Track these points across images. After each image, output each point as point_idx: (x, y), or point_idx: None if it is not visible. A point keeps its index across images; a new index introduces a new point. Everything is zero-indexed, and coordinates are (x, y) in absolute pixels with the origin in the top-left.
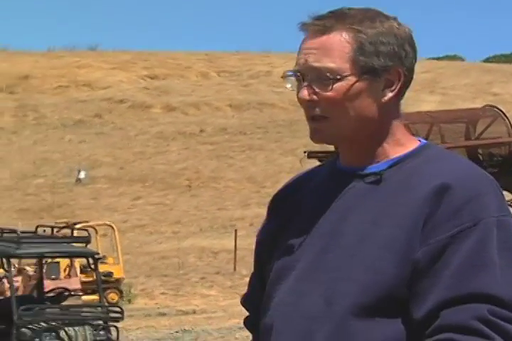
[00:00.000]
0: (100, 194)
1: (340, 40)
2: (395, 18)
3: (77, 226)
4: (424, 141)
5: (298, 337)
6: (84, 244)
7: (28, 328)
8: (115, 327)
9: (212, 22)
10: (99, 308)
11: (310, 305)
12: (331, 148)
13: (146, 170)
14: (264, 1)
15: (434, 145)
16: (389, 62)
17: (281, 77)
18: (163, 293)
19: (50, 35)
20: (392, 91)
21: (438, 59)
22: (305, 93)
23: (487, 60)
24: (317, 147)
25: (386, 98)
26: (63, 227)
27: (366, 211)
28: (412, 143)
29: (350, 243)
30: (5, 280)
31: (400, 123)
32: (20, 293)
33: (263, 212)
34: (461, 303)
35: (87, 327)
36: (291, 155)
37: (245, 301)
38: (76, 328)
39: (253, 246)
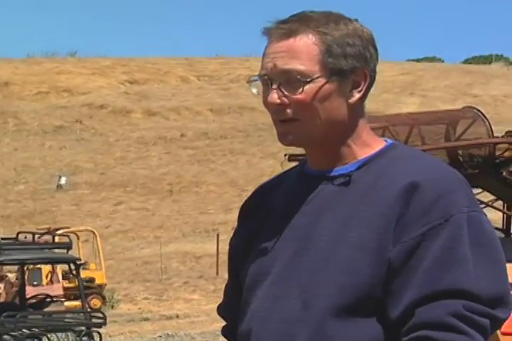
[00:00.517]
0: (82, 200)
1: (308, 43)
2: (357, 20)
3: (59, 232)
4: (390, 141)
5: None
6: (65, 250)
7: (11, 335)
8: (98, 332)
9: (191, 27)
10: (82, 314)
11: (287, 309)
12: None
13: (127, 176)
14: (243, 5)
15: (400, 144)
16: (356, 63)
17: (247, 82)
18: (146, 298)
19: (29, 42)
20: (359, 92)
21: (417, 61)
22: (275, 96)
23: (466, 62)
24: (298, 150)
25: (354, 99)
26: (44, 233)
27: (337, 213)
28: (378, 144)
29: (323, 246)
30: None
31: (365, 124)
32: (2, 300)
33: None
34: (436, 300)
35: (69, 333)
36: (273, 159)
37: (222, 310)
38: (59, 334)
39: None
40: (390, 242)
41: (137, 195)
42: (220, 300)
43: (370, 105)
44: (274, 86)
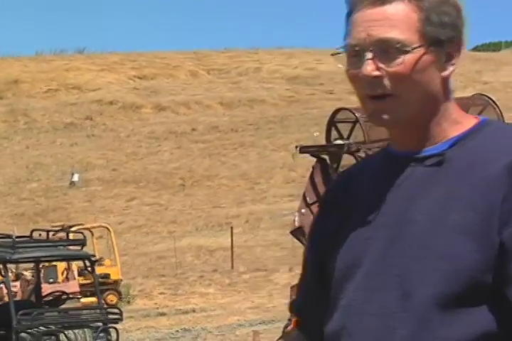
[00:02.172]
0: (94, 196)
1: (405, 10)
2: None
3: (73, 229)
4: (484, 118)
5: (375, 336)
6: (80, 247)
7: (28, 333)
8: (115, 328)
9: (198, 20)
10: (98, 310)
11: (384, 301)
12: (323, 142)
13: (139, 171)
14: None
15: (494, 121)
16: (452, 33)
17: (331, 55)
18: (161, 293)
19: (38, 40)
20: (452, 64)
21: None
22: (370, 68)
23: (475, 49)
24: (309, 141)
25: (447, 72)
26: (58, 231)
27: (432, 195)
28: (469, 121)
29: (421, 231)
30: (2, 286)
31: (454, 101)
32: (18, 298)
33: (258, 208)
34: None
35: (86, 329)
36: (284, 151)
37: (297, 307)
38: (76, 331)
39: (249, 243)
40: (497, 223)
41: (149, 190)
42: (236, 294)
43: None
44: (369, 56)
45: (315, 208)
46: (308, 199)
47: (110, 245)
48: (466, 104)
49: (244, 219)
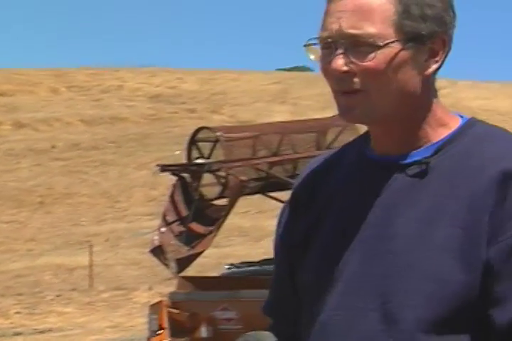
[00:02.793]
0: None
1: (381, 1)
2: None
3: None
4: (466, 117)
5: None
6: None
7: None
8: None
9: (59, 37)
10: None
11: (366, 323)
12: (183, 161)
13: None
14: (112, 15)
15: (478, 121)
16: (435, 27)
17: (304, 46)
18: (18, 312)
19: None
20: (436, 62)
21: (287, 70)
22: (340, 63)
23: None
24: (170, 160)
25: (430, 70)
26: None
27: (416, 209)
28: (454, 122)
29: (403, 247)
30: None
31: (438, 100)
32: None
33: (118, 227)
34: None
35: None
36: (145, 169)
37: (270, 309)
38: None
39: (109, 262)
40: (485, 240)
41: (8, 207)
42: (95, 312)
43: (242, 114)
44: (340, 50)
45: (175, 227)
46: (168, 218)
47: None
48: (325, 125)
49: (104, 237)
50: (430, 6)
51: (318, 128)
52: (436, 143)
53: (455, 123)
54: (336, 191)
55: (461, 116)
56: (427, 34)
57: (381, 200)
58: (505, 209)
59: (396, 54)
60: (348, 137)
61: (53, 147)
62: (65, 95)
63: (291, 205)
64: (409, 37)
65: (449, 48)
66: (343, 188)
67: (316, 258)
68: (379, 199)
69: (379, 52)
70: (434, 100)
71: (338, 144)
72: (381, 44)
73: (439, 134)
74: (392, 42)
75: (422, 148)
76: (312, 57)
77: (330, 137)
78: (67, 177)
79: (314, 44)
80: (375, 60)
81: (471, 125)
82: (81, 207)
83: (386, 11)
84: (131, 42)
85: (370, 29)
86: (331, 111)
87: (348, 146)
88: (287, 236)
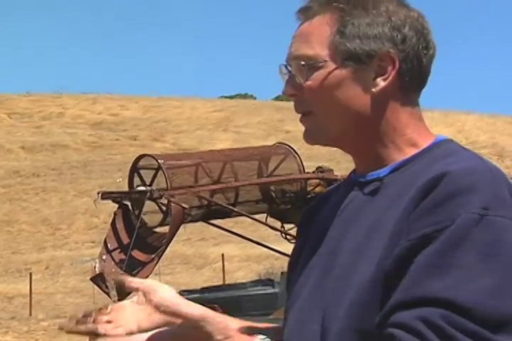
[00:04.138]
0: None
1: (320, 24)
2: (390, 1)
3: None
4: (442, 137)
5: None
6: None
7: None
8: None
9: (0, 64)
10: None
11: (309, 335)
12: (125, 188)
13: None
14: (53, 42)
15: (450, 141)
16: (378, 45)
17: (280, 73)
18: None
19: None
20: (385, 79)
21: (230, 98)
22: (288, 86)
23: (277, 99)
24: (112, 187)
25: (378, 88)
26: None
27: (362, 224)
28: (427, 142)
29: (344, 262)
30: None
31: (411, 119)
32: None
33: (59, 254)
34: (413, 307)
35: None
36: (87, 197)
37: None
38: None
39: (49, 290)
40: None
41: None
42: None
43: (184, 142)
44: (289, 74)
45: (116, 254)
46: (109, 245)
47: None
48: (267, 153)
49: (45, 265)
50: (370, 25)
51: (261, 155)
52: (398, 162)
53: (426, 144)
54: (326, 214)
55: (438, 136)
56: (363, 52)
57: (343, 216)
58: (416, 211)
59: (330, 73)
60: (290, 165)
61: None
62: (6, 122)
63: (297, 228)
64: (346, 56)
65: (416, 65)
66: (328, 209)
67: (295, 277)
68: (342, 215)
69: (316, 72)
70: (404, 118)
71: (280, 172)
72: (319, 64)
73: (405, 154)
74: (326, 62)
75: (385, 167)
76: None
77: (272, 165)
78: (8, 204)
79: (283, 70)
80: (313, 80)
81: (438, 146)
82: (21, 235)
83: (323, 32)
84: (73, 69)
85: (308, 51)
86: (274, 138)
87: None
88: (289, 261)
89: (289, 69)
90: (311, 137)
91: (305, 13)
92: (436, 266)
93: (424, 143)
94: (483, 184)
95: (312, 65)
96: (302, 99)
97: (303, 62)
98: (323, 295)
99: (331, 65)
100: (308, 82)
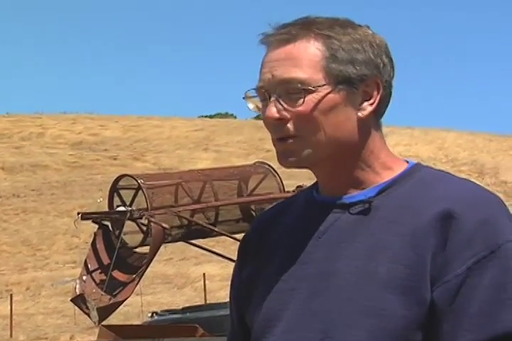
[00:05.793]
0: None
1: (309, 48)
2: (367, 26)
3: None
4: (413, 162)
5: None
6: None
7: None
8: None
9: None
10: None
11: None
12: (105, 208)
13: None
14: (33, 62)
15: (424, 166)
16: (366, 71)
17: (243, 98)
18: None
19: None
20: (371, 104)
21: (210, 117)
22: (273, 110)
23: (258, 117)
24: (93, 207)
25: (365, 112)
26: None
27: (359, 246)
28: (400, 166)
29: (345, 284)
30: None
31: (383, 144)
32: None
33: (39, 275)
34: None
35: None
36: (67, 217)
37: None
38: None
39: (29, 311)
40: (428, 279)
41: None
42: None
43: (165, 161)
44: (273, 98)
45: (96, 275)
46: (89, 266)
47: None
48: (247, 172)
49: (25, 286)
50: (359, 50)
51: (240, 175)
52: (380, 184)
53: (400, 167)
54: (283, 234)
55: (407, 161)
56: (356, 77)
57: (326, 238)
58: (447, 249)
59: (324, 97)
60: (270, 184)
61: None
62: None
63: (240, 253)
64: (339, 80)
65: (388, 92)
66: (290, 230)
67: (262, 300)
68: (324, 237)
69: (309, 96)
70: (378, 143)
71: (260, 191)
72: (311, 88)
73: (383, 177)
74: (321, 86)
75: (366, 190)
76: (251, 106)
77: (252, 184)
78: None
79: (254, 96)
80: (305, 104)
81: (416, 169)
82: (1, 256)
83: (315, 56)
84: (52, 89)
85: (300, 74)
86: (254, 157)
87: (301, 192)
88: (236, 281)
89: (268, 94)
90: (292, 161)
91: (281, 37)
92: (500, 299)
93: (398, 167)
94: (499, 210)
95: (305, 88)
96: (287, 123)
97: (299, 85)
98: (316, 318)
99: (325, 89)
100: (301, 107)
